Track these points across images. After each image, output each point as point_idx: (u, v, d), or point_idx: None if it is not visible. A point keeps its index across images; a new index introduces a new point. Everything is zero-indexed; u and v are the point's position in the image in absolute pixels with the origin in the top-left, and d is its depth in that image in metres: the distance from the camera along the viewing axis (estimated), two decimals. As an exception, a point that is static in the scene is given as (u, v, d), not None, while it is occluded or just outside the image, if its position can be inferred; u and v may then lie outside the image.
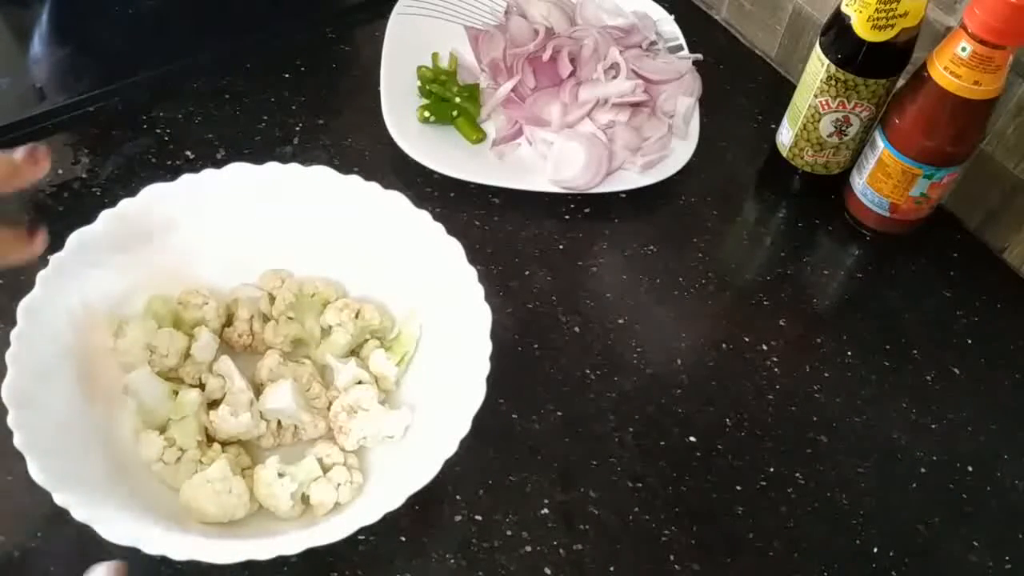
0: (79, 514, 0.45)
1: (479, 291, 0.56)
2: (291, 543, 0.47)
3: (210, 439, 0.55)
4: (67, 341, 0.54)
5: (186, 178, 0.59)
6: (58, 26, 0.81)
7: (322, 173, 0.61)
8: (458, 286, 0.57)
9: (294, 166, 0.61)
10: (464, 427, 0.50)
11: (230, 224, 0.60)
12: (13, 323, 0.51)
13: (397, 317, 0.61)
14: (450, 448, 0.50)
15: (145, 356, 0.56)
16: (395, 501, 0.48)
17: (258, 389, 0.57)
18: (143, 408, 0.54)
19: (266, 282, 0.61)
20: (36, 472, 0.46)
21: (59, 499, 0.46)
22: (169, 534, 0.48)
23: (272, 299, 0.60)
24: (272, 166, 0.60)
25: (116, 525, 0.46)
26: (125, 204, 0.58)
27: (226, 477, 0.51)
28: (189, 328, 0.58)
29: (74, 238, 0.55)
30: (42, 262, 0.54)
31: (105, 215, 0.57)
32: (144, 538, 0.45)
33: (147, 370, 0.55)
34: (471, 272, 0.57)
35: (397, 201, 0.60)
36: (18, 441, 0.47)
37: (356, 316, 0.59)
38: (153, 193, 0.58)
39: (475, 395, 0.52)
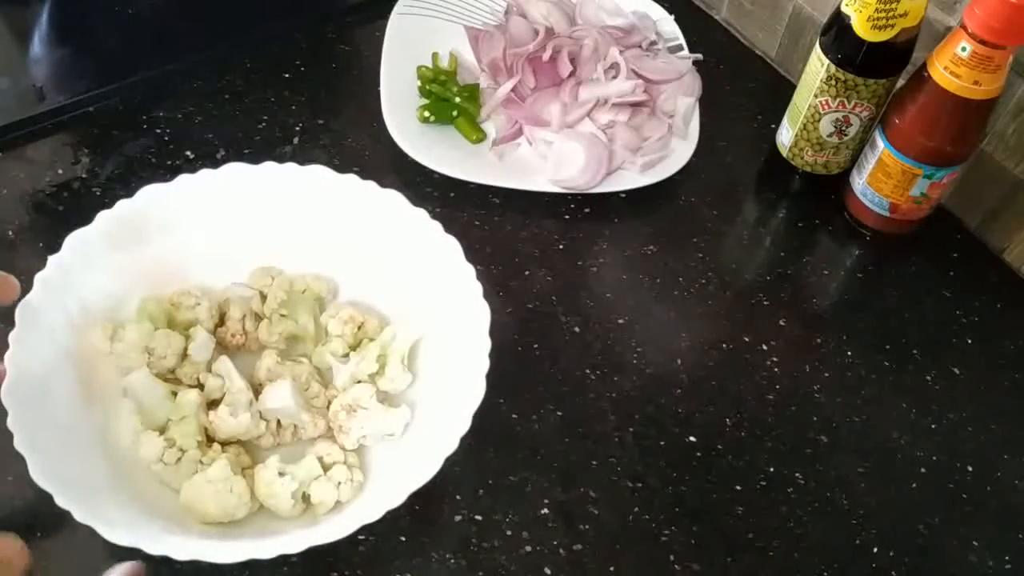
0: (80, 515, 0.45)
1: (477, 288, 0.56)
2: (292, 542, 0.47)
3: (210, 439, 0.55)
4: (66, 343, 0.54)
5: (183, 178, 0.59)
6: (58, 26, 0.81)
7: (319, 172, 0.61)
8: (456, 283, 0.57)
9: (291, 165, 0.60)
10: (464, 424, 0.50)
11: (228, 224, 0.60)
12: (12, 325, 0.51)
13: (395, 315, 0.61)
14: (451, 445, 0.50)
15: (143, 358, 0.56)
16: (396, 499, 0.48)
17: (257, 389, 0.57)
18: (142, 409, 0.54)
19: (256, 280, 0.61)
20: (37, 474, 0.46)
21: (60, 501, 0.46)
22: (170, 534, 0.48)
23: (264, 297, 0.60)
24: (269, 166, 0.60)
25: (117, 526, 0.46)
26: (122, 205, 0.57)
27: (227, 477, 0.51)
28: (183, 329, 0.58)
29: (71, 239, 0.55)
30: (40, 263, 0.54)
31: (102, 216, 0.57)
32: (145, 539, 0.45)
33: (145, 371, 0.55)
34: (469, 269, 0.57)
35: (394, 200, 0.60)
36: (18, 443, 0.47)
37: (359, 328, 0.59)
38: (150, 194, 0.58)
39: (475, 392, 0.52)
